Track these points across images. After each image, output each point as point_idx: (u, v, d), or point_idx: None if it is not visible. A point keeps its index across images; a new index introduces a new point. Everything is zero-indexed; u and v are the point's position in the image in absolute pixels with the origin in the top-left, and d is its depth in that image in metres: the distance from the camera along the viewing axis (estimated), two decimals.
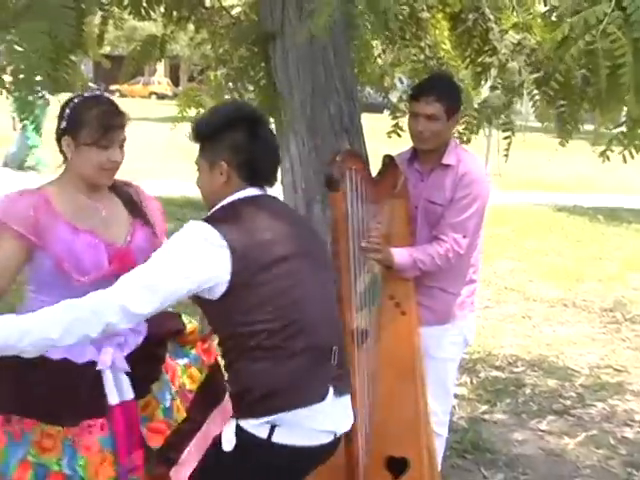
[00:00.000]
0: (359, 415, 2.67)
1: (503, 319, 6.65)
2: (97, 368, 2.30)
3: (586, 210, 12.63)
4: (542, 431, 4.44)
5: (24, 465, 2.25)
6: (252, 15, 4.00)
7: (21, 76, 2.71)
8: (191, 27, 4.56)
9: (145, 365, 2.42)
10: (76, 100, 2.36)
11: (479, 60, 3.97)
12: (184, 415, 2.50)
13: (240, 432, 2.11)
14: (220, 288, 2.08)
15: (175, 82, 44.07)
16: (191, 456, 2.43)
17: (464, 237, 2.98)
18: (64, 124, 2.33)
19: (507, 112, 3.56)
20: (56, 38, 2.81)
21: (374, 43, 4.34)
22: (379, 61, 4.63)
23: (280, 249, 2.15)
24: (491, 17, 3.81)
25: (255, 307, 2.09)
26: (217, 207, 2.22)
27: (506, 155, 3.62)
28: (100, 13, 4.02)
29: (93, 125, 2.28)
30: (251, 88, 3.81)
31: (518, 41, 3.67)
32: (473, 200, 3.00)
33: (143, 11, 3.66)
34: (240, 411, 2.14)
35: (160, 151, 18.46)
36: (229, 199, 2.21)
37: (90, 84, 2.79)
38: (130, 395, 2.35)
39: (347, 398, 2.27)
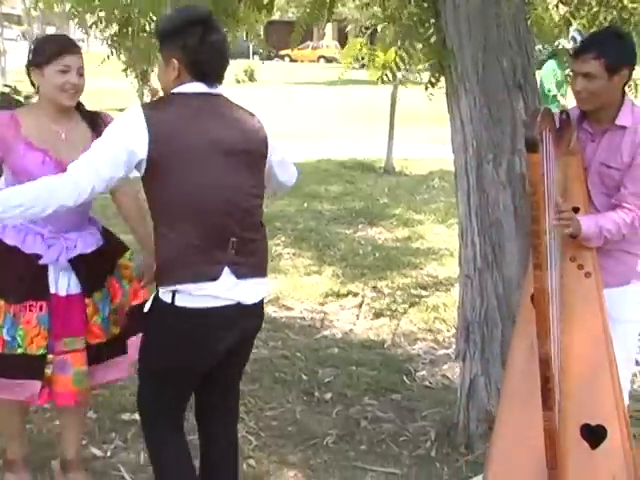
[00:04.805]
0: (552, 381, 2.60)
1: None
2: (41, 262, 2.80)
3: None
4: None
5: None
6: None
7: None
8: None
9: (93, 271, 2.92)
10: (39, 38, 2.92)
11: None
12: (118, 329, 3.01)
13: (154, 300, 2.55)
14: (142, 165, 2.40)
15: (343, 45, 44.26)
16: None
17: None
18: (30, 57, 2.82)
19: None
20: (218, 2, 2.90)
21: None
22: (554, 14, 4.43)
23: (197, 140, 2.42)
24: None
25: (164, 188, 2.42)
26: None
27: None
28: None
29: (50, 50, 2.77)
30: (420, 46, 3.74)
31: None
32: None
33: None
34: (155, 278, 2.54)
35: (329, 114, 18.67)
36: (174, 90, 2.50)
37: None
38: (73, 290, 2.87)
39: (255, 281, 2.56)
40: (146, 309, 2.56)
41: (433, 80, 3.56)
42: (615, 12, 3.97)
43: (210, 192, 2.43)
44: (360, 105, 19.33)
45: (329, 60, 41.63)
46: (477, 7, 3.24)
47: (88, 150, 2.44)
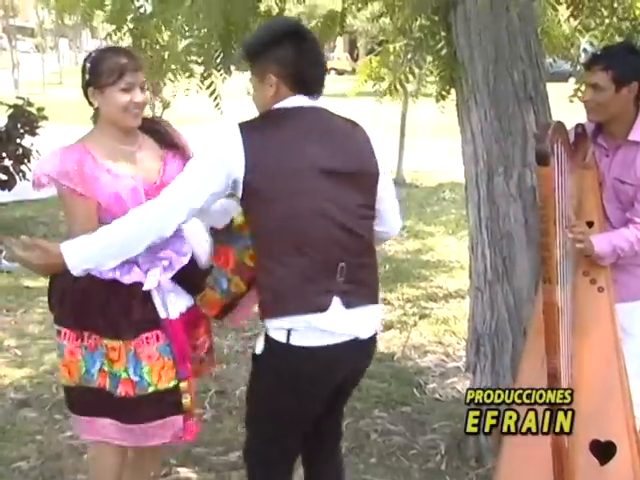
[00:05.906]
0: None
1: None
2: (144, 289, 2.55)
3: None
4: None
5: (103, 374, 2.58)
6: None
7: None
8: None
9: (195, 277, 2.63)
10: (94, 54, 2.61)
11: None
12: (244, 289, 2.63)
13: (266, 338, 2.31)
14: (239, 187, 2.24)
15: (354, 57, 44.30)
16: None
17: None
18: (87, 77, 2.56)
19: None
20: (230, 17, 2.90)
21: (560, 7, 4.14)
22: (565, 27, 4.43)
23: (298, 161, 2.24)
24: None
25: (263, 214, 2.25)
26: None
27: None
28: None
29: (111, 70, 2.51)
30: (430, 59, 3.75)
31: None
32: None
33: None
34: (260, 311, 2.33)
35: None
36: (274, 106, 2.32)
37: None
38: (183, 308, 2.65)
39: (364, 309, 2.35)
40: (258, 351, 2.34)
41: (444, 93, 3.56)
42: (628, 23, 3.97)
43: (314, 216, 2.23)
44: (370, 117, 19.38)
45: (340, 72, 41.68)
46: (488, 20, 3.24)
47: (181, 172, 2.33)
